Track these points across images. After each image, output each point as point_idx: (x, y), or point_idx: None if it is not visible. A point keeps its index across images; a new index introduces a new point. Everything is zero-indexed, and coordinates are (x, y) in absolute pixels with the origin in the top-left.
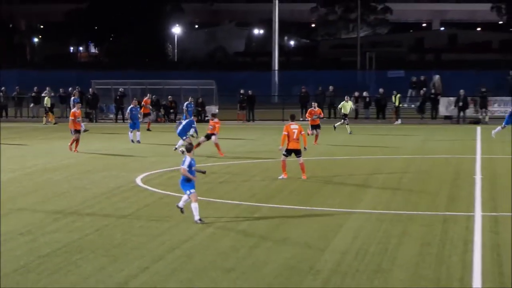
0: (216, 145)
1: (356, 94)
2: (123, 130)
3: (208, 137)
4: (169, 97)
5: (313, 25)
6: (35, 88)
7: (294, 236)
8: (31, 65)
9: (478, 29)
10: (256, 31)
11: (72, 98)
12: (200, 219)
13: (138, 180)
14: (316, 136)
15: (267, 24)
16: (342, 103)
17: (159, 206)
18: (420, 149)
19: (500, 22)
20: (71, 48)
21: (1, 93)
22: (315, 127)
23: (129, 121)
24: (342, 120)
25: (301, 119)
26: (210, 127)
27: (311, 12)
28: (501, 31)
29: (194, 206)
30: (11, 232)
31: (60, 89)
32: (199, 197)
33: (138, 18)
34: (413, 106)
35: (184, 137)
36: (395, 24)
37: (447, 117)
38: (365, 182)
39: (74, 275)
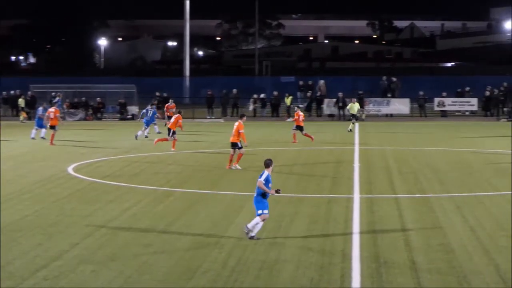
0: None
1: (255, 96)
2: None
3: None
4: (98, 98)
5: (218, 38)
6: None
7: (202, 216)
8: None
9: (356, 41)
10: (170, 43)
11: (57, 98)
12: (254, 236)
13: (70, 169)
14: (305, 134)
15: (179, 37)
16: (349, 104)
17: (88, 191)
18: (308, 142)
19: (374, 36)
20: (12, 58)
21: None
22: (298, 127)
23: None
24: (352, 121)
25: (208, 117)
26: None
27: (217, 27)
28: (375, 44)
29: (257, 220)
30: None
31: (3, 92)
32: (121, 184)
33: (70, 31)
34: (301, 106)
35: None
36: (287, 37)
37: (330, 115)
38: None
39: (15, 250)
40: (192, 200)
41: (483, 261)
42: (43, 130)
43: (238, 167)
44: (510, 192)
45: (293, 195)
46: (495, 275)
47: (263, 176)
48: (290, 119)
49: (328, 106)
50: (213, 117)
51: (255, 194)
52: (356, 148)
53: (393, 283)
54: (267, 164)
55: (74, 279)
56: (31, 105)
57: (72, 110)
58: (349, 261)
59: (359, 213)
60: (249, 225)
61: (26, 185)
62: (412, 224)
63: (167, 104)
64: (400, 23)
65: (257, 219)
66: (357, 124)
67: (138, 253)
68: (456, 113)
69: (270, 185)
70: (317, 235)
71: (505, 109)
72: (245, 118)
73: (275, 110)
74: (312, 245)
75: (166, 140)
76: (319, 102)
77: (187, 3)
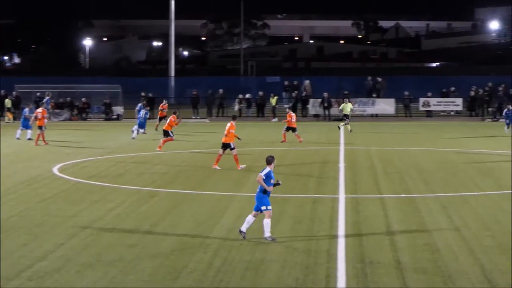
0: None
1: (240, 96)
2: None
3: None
4: (83, 99)
5: (203, 38)
6: None
7: (187, 216)
8: None
9: (341, 41)
10: (155, 43)
11: (47, 98)
12: (271, 237)
13: (55, 170)
14: (296, 136)
15: (164, 37)
16: (342, 105)
17: (73, 191)
18: (294, 142)
19: (359, 36)
20: None
21: None
22: (289, 128)
23: (33, 121)
24: (344, 121)
25: (193, 117)
26: None
27: (202, 27)
28: (360, 44)
29: (267, 222)
30: None
31: None
32: (106, 184)
33: (55, 31)
34: (286, 106)
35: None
36: (272, 38)
37: (315, 115)
38: (247, 170)
39: (0, 251)
40: (177, 200)
41: (468, 261)
42: (29, 131)
43: (243, 166)
44: (496, 192)
45: (278, 195)
46: (480, 275)
47: (264, 172)
48: (275, 119)
49: (314, 106)
50: (198, 117)
51: (257, 190)
52: (342, 148)
53: (378, 283)
54: (269, 161)
55: (59, 280)
56: (16, 105)
57: (57, 110)
58: (334, 261)
59: (344, 213)
60: (266, 235)
61: (11, 185)
62: (398, 224)
63: (161, 104)
64: (385, 23)
65: (267, 221)
66: (342, 127)
67: (123, 253)
68: (441, 113)
69: (272, 181)
70: (303, 235)
71: (490, 109)
72: (236, 119)
73: (261, 110)
74: (298, 245)
75: (172, 139)
76: (305, 102)
77: (172, 3)
